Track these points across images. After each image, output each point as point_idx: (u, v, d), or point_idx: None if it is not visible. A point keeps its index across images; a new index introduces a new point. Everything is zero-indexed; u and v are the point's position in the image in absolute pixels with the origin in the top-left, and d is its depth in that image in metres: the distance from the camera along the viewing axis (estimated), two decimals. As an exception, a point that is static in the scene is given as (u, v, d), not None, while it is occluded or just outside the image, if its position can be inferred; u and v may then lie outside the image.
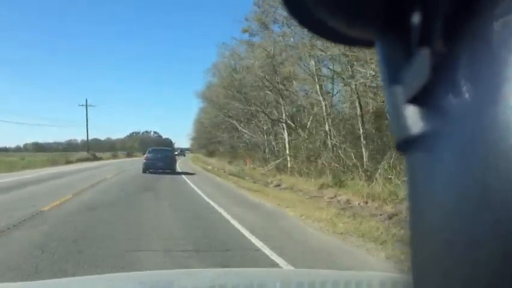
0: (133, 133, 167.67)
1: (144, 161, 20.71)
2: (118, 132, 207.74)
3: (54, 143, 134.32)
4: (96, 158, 46.38)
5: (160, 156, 20.82)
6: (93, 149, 66.97)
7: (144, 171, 19.88)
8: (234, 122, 31.60)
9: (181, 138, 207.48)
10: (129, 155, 75.35)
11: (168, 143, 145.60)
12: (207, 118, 42.16)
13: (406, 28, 0.24)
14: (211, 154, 61.66)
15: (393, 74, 0.26)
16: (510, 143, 0.18)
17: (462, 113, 0.21)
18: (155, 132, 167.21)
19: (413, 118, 0.23)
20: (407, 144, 0.24)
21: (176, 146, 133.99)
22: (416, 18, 0.24)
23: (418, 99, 0.23)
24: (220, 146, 46.53)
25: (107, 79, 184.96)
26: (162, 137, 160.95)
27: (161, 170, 20.01)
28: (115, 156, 61.53)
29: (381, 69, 0.27)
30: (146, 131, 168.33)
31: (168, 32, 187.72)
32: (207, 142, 61.72)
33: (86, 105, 52.40)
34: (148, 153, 21.32)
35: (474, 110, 0.20)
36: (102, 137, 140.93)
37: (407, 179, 0.24)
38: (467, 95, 0.21)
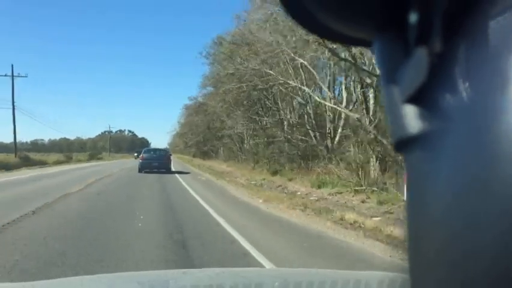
0: (105, 132, 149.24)
1: (140, 161, 21.21)
2: (91, 132, 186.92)
3: (19, 143, 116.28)
4: (27, 163, 27.88)
5: (155, 156, 21.43)
6: (60, 150, 57.95)
7: (140, 170, 20.20)
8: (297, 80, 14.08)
9: (158, 138, 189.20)
10: (92, 158, 52.26)
11: (144, 142, 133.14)
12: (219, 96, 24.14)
13: (404, 27, 0.24)
14: (205, 155, 44.52)
15: (391, 73, 0.26)
16: (508, 142, 0.18)
17: (460, 112, 0.21)
18: (129, 131, 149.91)
19: (411, 117, 0.23)
20: (405, 144, 0.24)
21: (152, 146, 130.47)
22: (413, 17, 0.24)
23: (416, 98, 0.23)
24: (231, 143, 29.10)
25: (81, 79, 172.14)
26: (137, 136, 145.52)
27: (156, 170, 20.06)
28: (69, 160, 40.84)
29: (379, 68, 0.27)
30: (120, 130, 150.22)
31: (141, 34, 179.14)
32: (201, 139, 44.52)
33: (12, 75, 32.68)
34: (144, 153, 22.03)
35: (472, 109, 0.21)
36: (72, 137, 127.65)
37: (405, 178, 0.24)
38: (464, 94, 0.21)
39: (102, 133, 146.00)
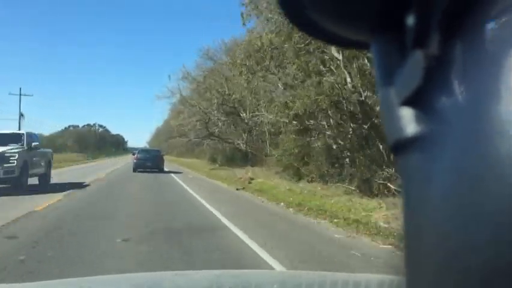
0: (69, 126, 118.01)
1: (134, 160, 22.53)
2: (58, 127, 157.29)
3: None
4: None
5: (149, 156, 22.79)
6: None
7: (134, 170, 21.39)
8: None
9: (136, 137, 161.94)
10: None
11: (119, 140, 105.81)
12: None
13: (401, 30, 0.24)
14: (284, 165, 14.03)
15: (387, 75, 0.26)
16: (504, 144, 0.18)
17: (456, 114, 0.21)
18: (101, 126, 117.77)
19: (407, 120, 0.23)
20: (401, 146, 0.24)
21: (129, 145, 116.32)
22: (410, 20, 0.24)
23: (412, 101, 0.23)
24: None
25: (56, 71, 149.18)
26: (110, 132, 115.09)
27: (149, 170, 21.26)
28: None
29: (376, 70, 0.27)
30: (89, 124, 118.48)
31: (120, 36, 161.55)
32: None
33: None
34: (138, 153, 23.44)
35: (468, 111, 0.21)
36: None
37: (401, 181, 0.24)
38: (461, 97, 0.21)
39: (66, 128, 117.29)
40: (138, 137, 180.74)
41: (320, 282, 1.48)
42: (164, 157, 26.96)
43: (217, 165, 29.12)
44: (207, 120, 25.21)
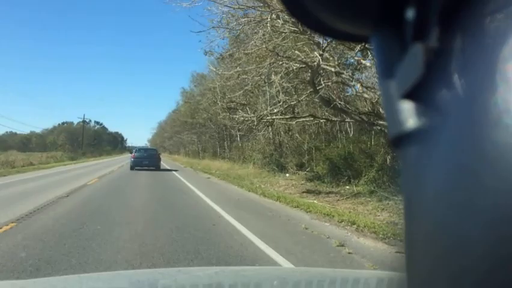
0: (63, 123, 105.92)
1: (132, 159, 22.73)
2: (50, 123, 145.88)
3: None
4: None
5: (146, 155, 23.28)
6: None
7: (132, 168, 21.70)
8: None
9: (136, 135, 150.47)
10: None
11: (117, 138, 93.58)
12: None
13: (401, 23, 0.25)
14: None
15: (388, 69, 0.26)
16: (504, 137, 0.18)
17: (456, 107, 0.21)
18: (97, 123, 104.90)
19: (408, 113, 0.23)
20: (401, 139, 0.24)
21: (128, 143, 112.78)
22: (410, 14, 0.24)
23: (413, 94, 0.23)
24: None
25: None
26: (107, 129, 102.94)
27: (146, 168, 21.64)
28: None
29: (376, 64, 0.27)
30: (84, 121, 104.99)
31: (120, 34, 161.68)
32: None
33: None
34: (135, 152, 23.91)
35: (468, 104, 0.21)
36: (26, 131, 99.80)
37: (401, 174, 0.24)
38: (461, 90, 0.21)
39: (59, 124, 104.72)
40: (139, 135, 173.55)
41: (319, 279, 1.50)
42: (175, 159, 19.99)
43: (288, 174, 14.47)
44: (315, 65, 7.85)
